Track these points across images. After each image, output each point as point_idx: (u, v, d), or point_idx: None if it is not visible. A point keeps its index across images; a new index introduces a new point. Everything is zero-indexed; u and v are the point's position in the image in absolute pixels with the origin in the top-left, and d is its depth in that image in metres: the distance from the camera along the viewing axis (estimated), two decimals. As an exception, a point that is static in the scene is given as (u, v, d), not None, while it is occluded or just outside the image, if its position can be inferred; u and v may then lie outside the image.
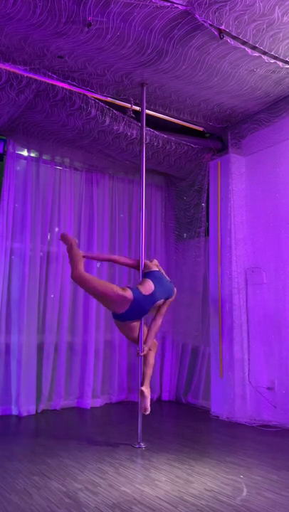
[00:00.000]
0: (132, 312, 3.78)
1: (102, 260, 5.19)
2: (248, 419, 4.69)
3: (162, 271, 4.17)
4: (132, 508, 2.59)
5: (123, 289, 3.77)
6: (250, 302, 5.02)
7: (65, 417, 4.91)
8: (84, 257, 3.97)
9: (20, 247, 5.10)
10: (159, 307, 3.99)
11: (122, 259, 4.37)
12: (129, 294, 3.72)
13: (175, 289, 4.12)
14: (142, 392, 3.78)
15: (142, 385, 3.87)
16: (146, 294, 3.80)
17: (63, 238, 3.94)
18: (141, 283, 3.91)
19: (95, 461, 3.40)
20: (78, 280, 3.79)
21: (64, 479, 3.02)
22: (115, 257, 4.51)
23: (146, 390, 3.81)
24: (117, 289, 3.75)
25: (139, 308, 3.79)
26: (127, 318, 3.84)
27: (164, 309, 4.01)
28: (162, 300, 3.95)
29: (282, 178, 4.78)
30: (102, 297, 3.80)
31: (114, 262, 4.42)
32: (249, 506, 2.64)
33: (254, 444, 3.96)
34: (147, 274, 4.02)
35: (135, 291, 3.77)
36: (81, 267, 3.78)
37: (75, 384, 5.36)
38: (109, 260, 4.52)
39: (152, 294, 3.83)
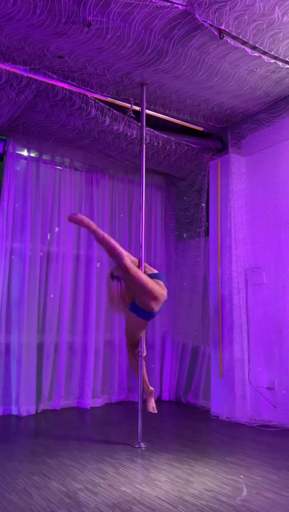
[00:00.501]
0: (158, 311, 3.88)
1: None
2: (248, 419, 4.69)
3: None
4: (132, 508, 2.59)
5: (161, 287, 3.84)
6: (250, 302, 5.02)
7: (65, 417, 4.91)
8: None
9: (21, 247, 5.10)
10: None
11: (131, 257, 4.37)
12: (166, 293, 3.86)
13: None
14: (152, 391, 3.96)
15: (148, 385, 3.97)
16: (165, 295, 3.90)
17: (74, 219, 3.75)
18: (161, 285, 3.88)
19: (95, 461, 3.40)
20: (130, 271, 3.67)
21: (64, 479, 3.02)
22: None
23: (152, 388, 3.99)
24: (159, 287, 3.80)
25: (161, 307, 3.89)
26: (153, 317, 3.92)
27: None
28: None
29: (282, 178, 4.78)
30: (148, 293, 3.71)
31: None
32: (249, 506, 2.64)
33: (254, 444, 3.96)
34: (156, 275, 4.00)
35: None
36: (127, 259, 3.71)
37: (75, 384, 5.36)
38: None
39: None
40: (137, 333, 3.95)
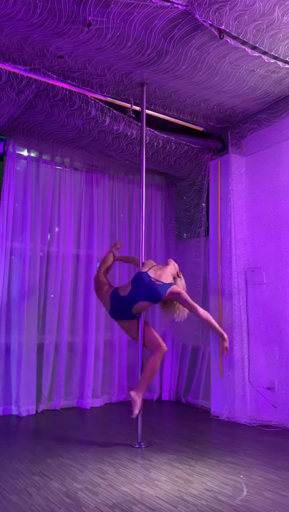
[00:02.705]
0: (115, 310, 4.02)
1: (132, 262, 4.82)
2: (248, 419, 4.69)
3: (160, 271, 4.01)
4: (132, 508, 2.59)
5: (109, 288, 4.10)
6: (250, 302, 5.02)
7: (65, 417, 4.91)
8: (117, 259, 4.45)
9: (20, 247, 5.10)
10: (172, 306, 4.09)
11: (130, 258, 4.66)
12: (108, 293, 4.03)
13: (173, 288, 3.90)
14: (129, 394, 3.80)
15: (135, 387, 3.83)
16: (123, 295, 3.94)
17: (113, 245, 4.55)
18: (126, 284, 4.12)
19: (95, 461, 3.40)
20: (94, 281, 4.31)
21: (64, 479, 3.02)
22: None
23: (133, 393, 3.73)
24: (106, 287, 4.11)
25: (119, 308, 3.97)
26: (114, 317, 4.07)
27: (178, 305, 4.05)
28: (146, 302, 3.87)
29: (283, 178, 4.78)
30: (96, 294, 4.23)
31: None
32: (249, 506, 2.64)
33: (254, 444, 3.96)
34: (134, 275, 4.11)
35: (115, 291, 4.02)
36: (101, 269, 4.26)
37: (75, 384, 5.36)
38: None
39: (129, 295, 3.90)
40: (125, 331, 4.16)
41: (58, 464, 3.32)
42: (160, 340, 3.97)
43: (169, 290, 3.87)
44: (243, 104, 4.82)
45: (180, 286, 4.01)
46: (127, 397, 5.70)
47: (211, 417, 4.94)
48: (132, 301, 3.87)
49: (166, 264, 4.20)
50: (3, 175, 5.06)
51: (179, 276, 4.15)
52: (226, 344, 3.93)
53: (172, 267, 4.14)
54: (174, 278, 4.09)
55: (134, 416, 3.72)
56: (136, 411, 3.71)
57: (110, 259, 4.31)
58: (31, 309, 5.04)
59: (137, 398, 3.71)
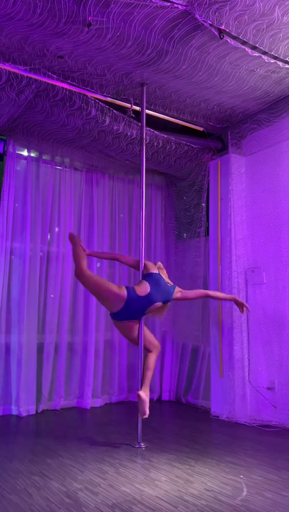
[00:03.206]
0: (126, 312, 3.83)
1: (105, 258, 5.17)
2: (248, 419, 4.69)
3: (164, 274, 4.15)
4: (132, 508, 2.59)
5: (119, 287, 3.89)
6: (250, 302, 5.02)
7: (65, 417, 4.91)
8: (88, 254, 4.14)
9: (20, 247, 5.10)
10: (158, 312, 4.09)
11: (125, 258, 4.48)
12: (123, 292, 3.82)
13: (176, 290, 4.08)
14: (139, 395, 3.74)
15: (140, 388, 3.84)
16: (141, 295, 3.85)
17: (70, 237, 4.12)
18: (138, 284, 3.98)
19: (95, 461, 3.40)
20: (80, 277, 3.96)
21: (64, 479, 3.02)
22: (118, 255, 4.62)
23: (143, 393, 3.74)
24: (113, 286, 3.89)
25: (133, 308, 3.84)
26: (122, 318, 3.88)
27: (161, 314, 4.15)
28: (160, 303, 3.95)
29: (283, 178, 4.78)
30: (99, 294, 3.95)
31: (117, 260, 4.57)
32: (249, 506, 2.64)
33: (254, 444, 3.96)
34: (146, 275, 4.06)
35: (130, 290, 3.84)
36: (83, 264, 3.92)
37: (75, 384, 5.36)
38: (113, 258, 4.77)
39: (148, 296, 3.86)
40: (124, 334, 4.05)
41: (58, 464, 3.32)
42: (155, 339, 4.13)
43: (175, 291, 4.06)
44: (243, 104, 4.82)
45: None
46: (128, 398, 5.71)
47: (211, 417, 4.94)
48: (150, 301, 3.88)
49: (158, 267, 4.20)
50: (3, 175, 5.06)
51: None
52: (240, 301, 4.37)
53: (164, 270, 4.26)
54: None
55: (146, 416, 3.75)
56: (148, 411, 3.74)
57: (83, 253, 4.03)
58: (31, 309, 5.04)
59: (146, 397, 3.75)
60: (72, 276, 5.44)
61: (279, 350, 4.64)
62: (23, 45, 3.79)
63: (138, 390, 3.80)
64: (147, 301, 3.86)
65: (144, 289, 3.88)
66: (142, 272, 4.11)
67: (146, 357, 3.95)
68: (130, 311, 3.84)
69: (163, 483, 3.01)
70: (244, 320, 5.00)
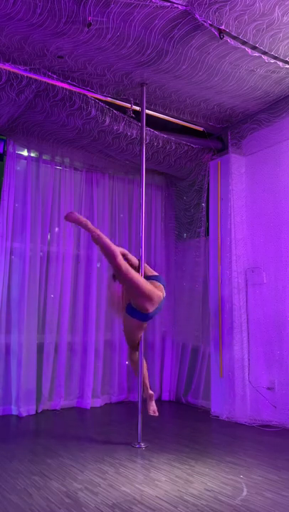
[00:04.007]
0: (155, 312, 3.85)
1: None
2: (248, 419, 4.69)
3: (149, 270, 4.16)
4: (132, 508, 2.59)
5: (158, 288, 3.83)
6: (250, 302, 5.02)
7: (65, 417, 4.91)
8: (94, 237, 3.80)
9: (20, 247, 5.10)
10: None
11: (131, 258, 4.26)
12: (163, 293, 3.85)
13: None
14: (152, 395, 3.92)
15: (147, 388, 3.96)
16: (164, 296, 3.91)
17: (71, 218, 3.84)
18: (157, 287, 3.88)
19: (95, 461, 3.40)
20: (121, 271, 3.66)
21: (64, 479, 3.02)
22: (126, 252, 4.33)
23: (152, 392, 3.95)
24: (155, 287, 3.80)
25: (159, 309, 3.87)
26: (149, 318, 3.86)
27: None
28: None
29: (283, 178, 4.78)
30: (141, 293, 3.68)
31: (125, 255, 4.24)
32: (249, 506, 2.64)
33: (254, 444, 3.96)
34: (156, 277, 4.00)
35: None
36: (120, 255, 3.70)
37: (75, 384, 5.36)
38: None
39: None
40: (135, 334, 3.92)
41: (58, 464, 3.32)
42: None
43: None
44: (243, 104, 4.82)
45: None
46: (127, 398, 5.71)
47: (211, 417, 4.94)
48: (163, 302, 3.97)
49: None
50: (3, 175, 5.05)
51: None
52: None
53: None
54: None
55: (156, 413, 3.89)
56: (155, 408, 3.91)
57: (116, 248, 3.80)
58: (31, 309, 5.04)
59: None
60: (72, 276, 5.45)
61: (279, 350, 4.64)
62: (23, 45, 3.79)
63: (150, 391, 3.95)
64: (162, 303, 3.91)
65: (162, 291, 3.88)
66: (145, 273, 4.04)
67: (134, 357, 4.03)
68: (157, 311, 3.88)
69: (163, 483, 3.01)
70: (244, 320, 5.00)
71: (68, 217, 3.86)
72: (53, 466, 3.28)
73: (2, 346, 4.92)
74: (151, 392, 3.97)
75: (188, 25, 3.46)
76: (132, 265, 4.23)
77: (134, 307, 3.78)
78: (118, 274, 3.73)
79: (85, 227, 3.81)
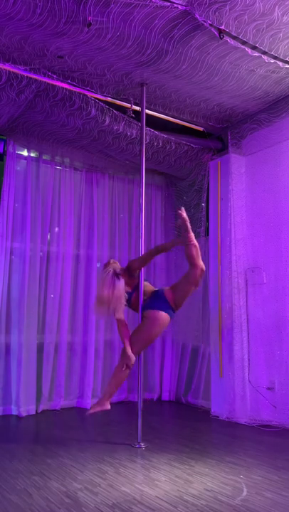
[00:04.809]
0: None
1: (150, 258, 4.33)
2: (248, 419, 4.69)
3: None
4: (132, 508, 2.59)
5: (165, 316, 3.92)
6: (250, 302, 5.02)
7: (65, 417, 4.91)
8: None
9: (20, 247, 5.10)
10: None
11: (161, 246, 4.26)
12: (168, 317, 3.96)
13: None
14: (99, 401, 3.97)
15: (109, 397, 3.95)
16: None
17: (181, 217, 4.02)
18: (146, 286, 4.11)
19: (95, 461, 3.40)
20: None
21: (64, 479, 3.02)
22: (156, 247, 4.30)
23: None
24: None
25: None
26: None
27: None
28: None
29: (283, 178, 4.78)
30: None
31: (158, 251, 4.22)
32: (249, 506, 2.64)
33: (254, 444, 3.96)
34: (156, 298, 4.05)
35: (162, 295, 4.00)
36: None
37: (75, 384, 5.36)
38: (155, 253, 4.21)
39: None
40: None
41: (58, 464, 3.32)
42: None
43: None
44: (243, 104, 4.82)
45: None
46: (127, 398, 5.71)
47: (211, 417, 4.94)
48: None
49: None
50: (3, 175, 5.05)
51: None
52: (128, 362, 3.90)
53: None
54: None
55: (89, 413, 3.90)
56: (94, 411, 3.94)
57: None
58: (31, 309, 5.04)
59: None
60: (72, 276, 5.45)
61: (279, 350, 4.64)
62: (23, 45, 3.79)
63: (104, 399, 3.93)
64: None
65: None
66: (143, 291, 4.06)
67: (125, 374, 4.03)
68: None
69: (163, 483, 3.01)
70: (244, 320, 5.00)
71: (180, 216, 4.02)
72: (53, 466, 3.28)
73: (2, 346, 4.92)
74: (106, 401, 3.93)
75: (188, 25, 3.46)
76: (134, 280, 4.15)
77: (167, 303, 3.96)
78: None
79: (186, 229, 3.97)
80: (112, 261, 4.08)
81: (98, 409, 3.88)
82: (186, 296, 4.01)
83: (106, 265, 4.01)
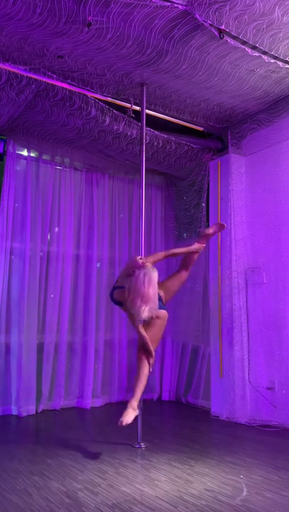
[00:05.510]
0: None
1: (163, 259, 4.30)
2: (248, 419, 4.69)
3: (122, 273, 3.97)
4: (132, 508, 2.59)
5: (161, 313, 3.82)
6: (250, 302, 5.02)
7: (65, 417, 4.91)
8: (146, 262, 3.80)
9: (20, 247, 5.10)
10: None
11: (178, 250, 4.23)
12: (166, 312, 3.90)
13: (115, 293, 3.84)
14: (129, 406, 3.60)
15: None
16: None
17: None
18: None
19: (95, 461, 3.40)
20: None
21: (64, 479, 3.02)
22: (173, 250, 4.30)
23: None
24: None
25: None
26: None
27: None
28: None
29: (283, 178, 4.78)
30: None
31: (174, 255, 4.26)
32: (249, 506, 2.64)
33: (254, 444, 3.96)
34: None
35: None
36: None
37: (75, 384, 5.36)
38: (170, 255, 4.26)
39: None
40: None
41: (58, 464, 3.32)
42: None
43: (114, 293, 3.85)
44: (243, 104, 4.82)
45: (126, 288, 3.66)
46: (127, 398, 5.70)
47: (211, 417, 4.94)
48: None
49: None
50: (3, 175, 5.05)
51: (130, 274, 3.71)
52: (152, 361, 3.78)
53: (128, 266, 3.86)
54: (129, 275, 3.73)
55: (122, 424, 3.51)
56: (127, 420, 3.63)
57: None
58: (31, 309, 5.04)
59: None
60: (72, 276, 5.45)
61: (279, 350, 4.64)
62: (23, 45, 3.79)
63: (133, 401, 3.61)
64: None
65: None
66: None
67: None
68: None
69: (163, 483, 3.01)
70: (244, 320, 5.00)
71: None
72: (53, 466, 3.28)
73: (2, 346, 4.92)
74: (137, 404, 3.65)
75: (188, 25, 3.46)
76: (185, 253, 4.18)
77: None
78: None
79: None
80: (140, 258, 3.84)
81: (133, 415, 3.53)
82: (174, 295, 4.15)
83: (138, 264, 3.74)
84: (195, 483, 3.01)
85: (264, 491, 2.88)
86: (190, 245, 4.19)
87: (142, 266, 3.67)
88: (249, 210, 5.16)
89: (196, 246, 4.14)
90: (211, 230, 4.26)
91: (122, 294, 3.69)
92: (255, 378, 4.84)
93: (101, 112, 4.58)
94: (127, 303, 3.62)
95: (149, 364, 3.75)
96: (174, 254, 4.22)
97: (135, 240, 5.92)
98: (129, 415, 3.48)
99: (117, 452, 3.64)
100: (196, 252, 4.11)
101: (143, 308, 3.55)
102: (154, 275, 3.64)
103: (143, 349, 3.75)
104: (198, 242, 4.19)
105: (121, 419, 3.42)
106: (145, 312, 3.57)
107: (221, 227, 4.29)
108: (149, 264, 3.73)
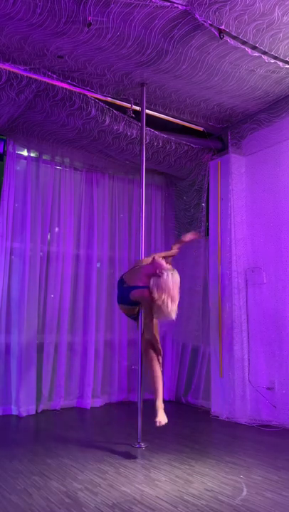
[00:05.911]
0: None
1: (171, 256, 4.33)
2: (248, 419, 4.69)
3: (130, 273, 3.98)
4: (132, 508, 2.59)
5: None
6: (250, 302, 5.02)
7: (65, 417, 4.91)
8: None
9: (20, 247, 5.10)
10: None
11: (160, 254, 4.19)
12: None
13: (133, 292, 3.79)
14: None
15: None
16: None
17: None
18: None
19: (95, 461, 3.40)
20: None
21: (64, 479, 3.02)
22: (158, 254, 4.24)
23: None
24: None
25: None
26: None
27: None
28: (122, 305, 4.00)
29: (283, 178, 4.78)
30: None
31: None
32: (249, 506, 2.64)
33: (254, 444, 3.96)
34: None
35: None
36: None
37: (75, 384, 5.36)
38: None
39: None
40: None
41: (58, 464, 3.32)
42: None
43: (132, 293, 3.80)
44: (243, 104, 4.82)
45: (154, 286, 3.62)
46: (127, 398, 5.71)
47: (211, 417, 4.94)
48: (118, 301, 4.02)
49: (143, 262, 4.01)
50: (3, 175, 5.05)
51: (158, 274, 3.66)
52: (161, 359, 3.83)
53: (149, 266, 3.81)
54: (152, 276, 3.69)
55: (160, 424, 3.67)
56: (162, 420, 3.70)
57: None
58: (31, 309, 5.04)
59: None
60: (72, 276, 5.45)
61: (279, 350, 4.64)
62: (23, 45, 3.79)
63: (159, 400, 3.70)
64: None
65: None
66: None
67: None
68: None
69: (163, 483, 3.01)
70: (244, 320, 5.00)
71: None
72: (53, 466, 3.28)
73: (2, 346, 4.92)
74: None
75: (188, 25, 3.46)
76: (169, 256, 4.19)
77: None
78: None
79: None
80: (157, 257, 3.82)
81: (164, 414, 3.64)
82: None
83: (163, 265, 3.74)
84: (195, 483, 3.01)
85: (264, 491, 2.88)
86: (169, 250, 4.36)
87: (167, 268, 3.74)
88: (249, 210, 5.16)
89: (174, 251, 4.27)
90: (187, 238, 4.37)
91: (142, 293, 3.70)
92: (255, 378, 4.84)
93: (101, 112, 4.58)
94: (156, 303, 3.62)
95: (160, 363, 3.81)
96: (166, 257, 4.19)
97: (135, 240, 5.92)
98: (164, 415, 3.64)
99: (117, 452, 3.64)
100: (173, 255, 4.23)
101: (174, 308, 3.65)
102: (178, 276, 3.75)
103: (153, 348, 3.80)
104: (176, 247, 4.31)
105: (157, 419, 3.59)
106: (174, 313, 3.66)
107: (196, 235, 4.49)
108: (170, 266, 3.80)
